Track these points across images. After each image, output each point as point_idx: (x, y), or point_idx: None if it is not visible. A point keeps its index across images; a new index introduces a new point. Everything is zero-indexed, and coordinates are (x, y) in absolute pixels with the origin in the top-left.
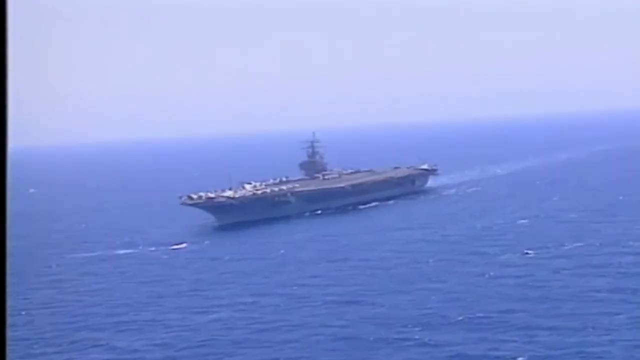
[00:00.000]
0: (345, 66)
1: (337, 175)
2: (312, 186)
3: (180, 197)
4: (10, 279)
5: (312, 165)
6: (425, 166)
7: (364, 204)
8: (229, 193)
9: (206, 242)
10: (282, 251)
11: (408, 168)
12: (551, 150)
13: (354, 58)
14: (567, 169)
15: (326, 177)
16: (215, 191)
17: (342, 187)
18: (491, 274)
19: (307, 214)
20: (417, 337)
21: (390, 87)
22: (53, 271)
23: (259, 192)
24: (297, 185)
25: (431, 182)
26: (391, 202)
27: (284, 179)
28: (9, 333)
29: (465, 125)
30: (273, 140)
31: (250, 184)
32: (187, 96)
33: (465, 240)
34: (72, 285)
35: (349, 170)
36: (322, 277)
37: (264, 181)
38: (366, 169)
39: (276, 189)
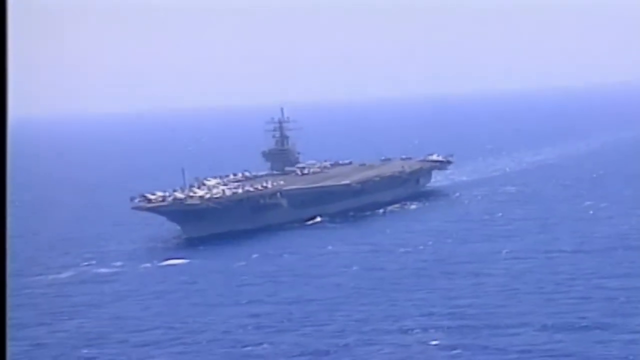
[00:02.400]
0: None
1: (319, 170)
2: (300, 183)
3: (132, 199)
4: None
5: (282, 155)
6: (434, 157)
7: (372, 208)
8: (200, 192)
9: (220, 259)
10: (354, 267)
11: (403, 159)
12: (565, 136)
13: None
14: (609, 159)
15: (305, 172)
16: (175, 190)
17: (348, 185)
18: None
19: (318, 220)
20: None
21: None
22: (37, 293)
23: (240, 191)
24: (281, 182)
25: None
26: (412, 205)
27: (247, 174)
28: None
29: (438, 103)
30: (218, 118)
31: (209, 180)
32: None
33: (610, 251)
34: (107, 311)
35: (327, 163)
36: (481, 296)
37: (224, 177)
38: (346, 162)
39: (259, 187)
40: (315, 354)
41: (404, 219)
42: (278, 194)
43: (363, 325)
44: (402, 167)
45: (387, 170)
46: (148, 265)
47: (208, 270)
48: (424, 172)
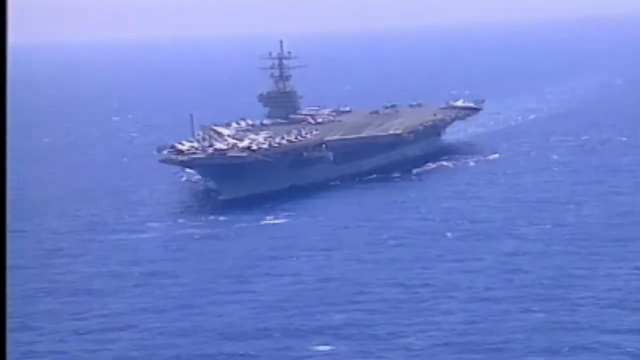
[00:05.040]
0: None
1: (332, 118)
2: (339, 133)
3: (159, 150)
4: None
5: (284, 99)
6: (460, 103)
7: (415, 164)
8: (244, 142)
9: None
10: (529, 226)
11: (412, 106)
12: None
13: None
14: None
15: (318, 120)
16: (197, 139)
17: (398, 135)
18: None
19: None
20: None
21: None
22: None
23: (285, 142)
24: (315, 131)
25: None
26: (471, 162)
27: (250, 123)
28: None
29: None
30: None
31: (221, 128)
32: None
33: None
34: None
35: (327, 111)
36: None
37: (227, 126)
38: (347, 109)
39: (299, 137)
40: None
41: (480, 175)
42: (323, 145)
43: None
44: (435, 114)
45: (421, 118)
46: (244, 224)
47: (336, 227)
48: (447, 122)
